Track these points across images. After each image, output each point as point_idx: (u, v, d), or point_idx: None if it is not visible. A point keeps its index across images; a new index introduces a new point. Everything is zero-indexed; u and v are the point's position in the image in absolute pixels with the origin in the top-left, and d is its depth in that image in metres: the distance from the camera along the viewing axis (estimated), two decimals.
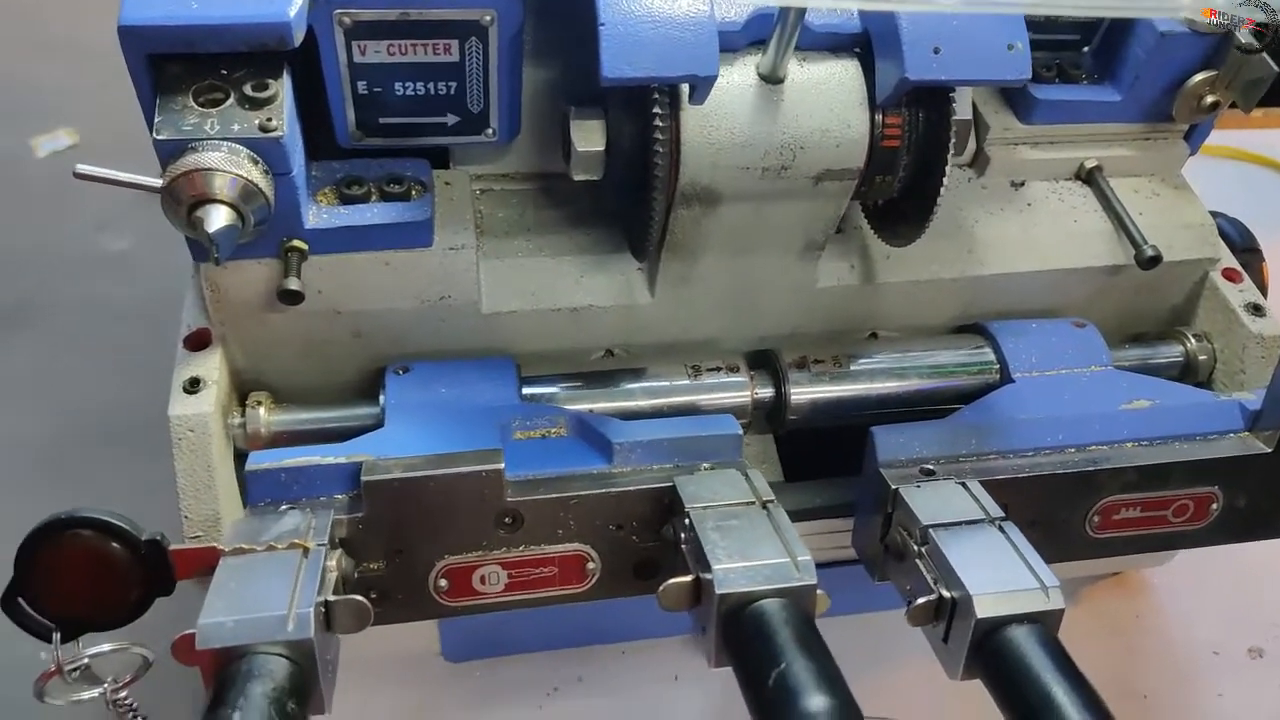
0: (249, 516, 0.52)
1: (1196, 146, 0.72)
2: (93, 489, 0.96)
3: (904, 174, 0.58)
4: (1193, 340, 0.69)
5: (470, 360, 0.62)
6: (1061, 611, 0.49)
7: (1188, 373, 0.70)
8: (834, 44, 0.57)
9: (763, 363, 0.65)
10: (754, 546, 0.49)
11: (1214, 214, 0.76)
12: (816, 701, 0.41)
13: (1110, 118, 0.68)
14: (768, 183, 0.56)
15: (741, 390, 0.63)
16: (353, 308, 0.59)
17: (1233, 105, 0.67)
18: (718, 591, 0.47)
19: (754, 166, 0.56)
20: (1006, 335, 0.65)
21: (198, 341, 0.59)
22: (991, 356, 0.65)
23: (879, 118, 0.56)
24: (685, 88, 0.53)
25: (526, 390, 0.61)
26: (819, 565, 0.63)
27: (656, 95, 0.53)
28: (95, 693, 0.53)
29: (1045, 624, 0.49)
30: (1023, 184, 0.70)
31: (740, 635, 0.46)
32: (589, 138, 0.56)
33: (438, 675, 0.72)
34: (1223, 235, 0.74)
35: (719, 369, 0.64)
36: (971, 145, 0.69)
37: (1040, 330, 0.66)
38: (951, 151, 0.55)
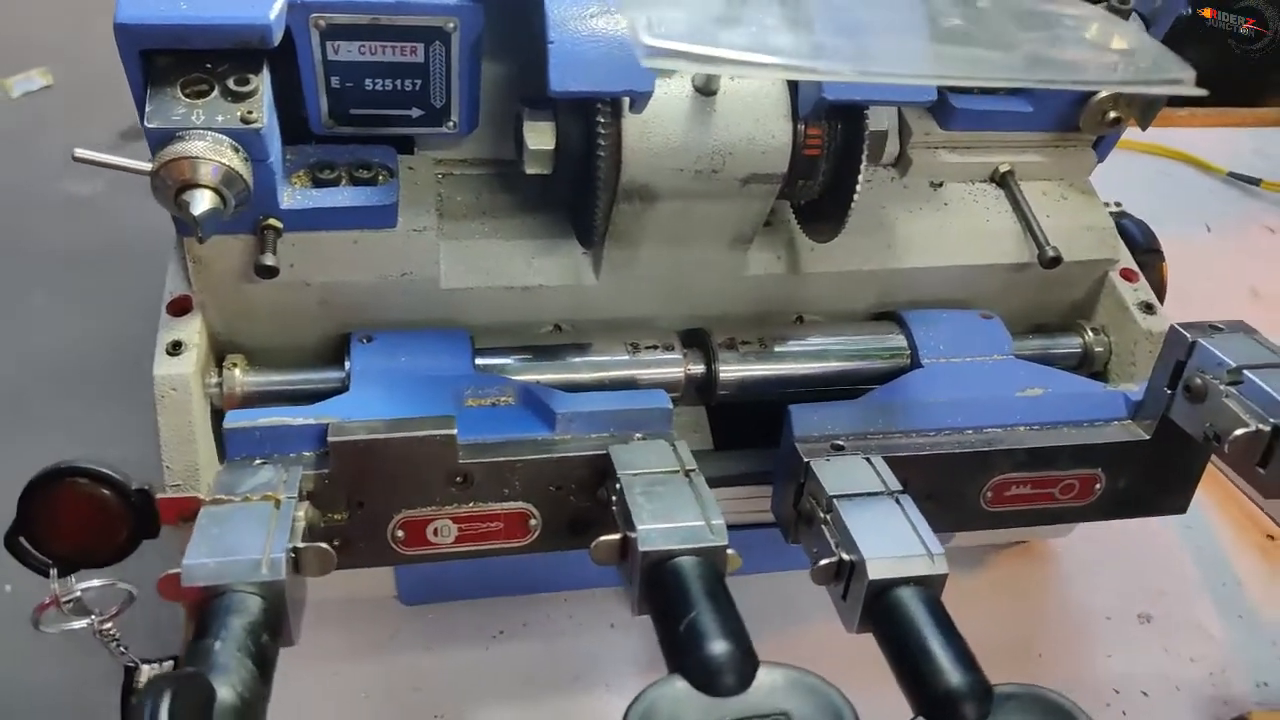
0: (227, 470, 0.58)
1: (1104, 155, 0.78)
2: (57, 429, 0.99)
3: (824, 179, 0.64)
4: (1090, 333, 0.76)
5: (429, 331, 0.68)
6: (944, 576, 0.56)
7: (1084, 363, 0.76)
8: None
9: (696, 341, 0.72)
10: (675, 510, 0.55)
11: (1121, 215, 0.83)
12: (719, 646, 0.48)
13: (1022, 127, 0.75)
14: (700, 183, 0.62)
15: (675, 367, 0.69)
16: (321, 280, 0.65)
17: None
18: (640, 549, 0.53)
19: (687, 169, 0.62)
20: (918, 324, 0.72)
21: (179, 307, 0.65)
22: (904, 343, 0.72)
23: (801, 129, 0.62)
24: (626, 99, 0.59)
25: (480, 361, 0.67)
26: (743, 527, 0.70)
27: (600, 105, 0.59)
28: (84, 623, 0.59)
29: (929, 586, 0.55)
30: (941, 185, 0.76)
31: (659, 587, 0.53)
32: (540, 138, 0.61)
33: (394, 616, 0.78)
34: (1127, 235, 0.81)
35: (655, 347, 0.70)
36: (895, 148, 0.75)
37: (949, 320, 0.72)
38: (865, 161, 0.62)
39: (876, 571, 0.54)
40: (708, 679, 0.47)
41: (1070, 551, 0.89)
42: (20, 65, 2.01)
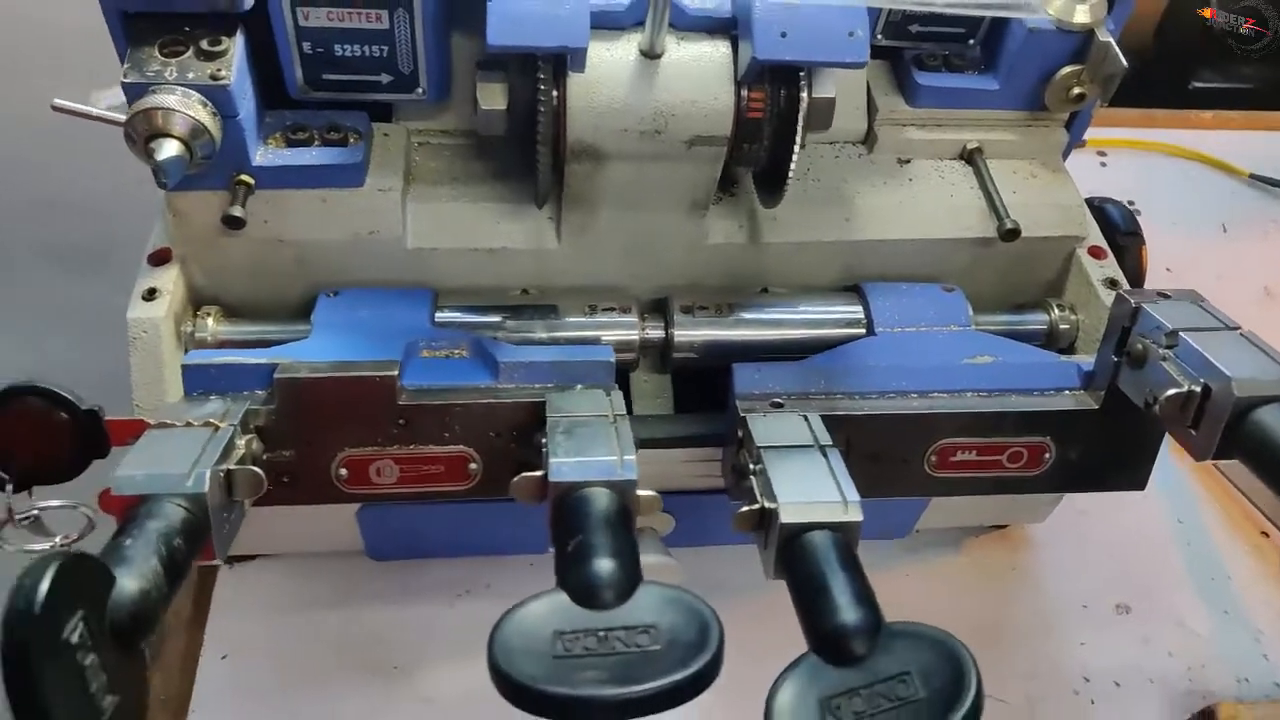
0: (180, 402, 0.62)
1: (1079, 135, 0.78)
2: None
3: (768, 143, 0.66)
4: (1056, 310, 0.76)
5: (394, 289, 0.71)
6: (858, 523, 0.56)
7: (1051, 339, 0.76)
8: (709, 26, 0.64)
9: (659, 308, 0.74)
10: (590, 447, 0.57)
11: (1104, 199, 0.83)
12: (601, 565, 0.49)
13: (990, 105, 0.75)
14: (645, 144, 0.64)
15: (631, 329, 0.71)
16: (293, 237, 0.69)
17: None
18: (551, 480, 0.55)
19: (631, 129, 0.64)
20: (877, 295, 0.73)
21: (158, 259, 0.69)
22: (861, 313, 0.73)
23: (744, 92, 0.64)
24: (567, 57, 0.61)
25: (442, 317, 0.70)
26: (706, 492, 0.71)
27: (541, 63, 0.61)
28: (45, 545, 0.63)
29: (843, 533, 0.56)
30: (909, 161, 0.77)
31: (564, 517, 0.55)
32: (491, 98, 0.64)
33: (362, 572, 0.81)
34: (1107, 218, 0.81)
35: (613, 309, 0.72)
36: (863, 124, 0.77)
37: (909, 292, 0.73)
38: (803, 124, 0.63)
39: (789, 515, 0.55)
40: (585, 593, 0.48)
41: (1051, 540, 0.88)
42: (107, 80, 2.12)
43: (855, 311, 0.73)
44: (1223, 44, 1.38)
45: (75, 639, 0.42)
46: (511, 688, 0.45)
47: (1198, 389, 0.58)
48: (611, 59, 0.63)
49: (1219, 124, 1.26)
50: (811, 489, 0.57)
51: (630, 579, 0.49)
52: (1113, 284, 0.74)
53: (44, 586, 0.41)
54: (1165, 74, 1.40)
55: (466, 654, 0.77)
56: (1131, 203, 0.82)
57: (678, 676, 0.44)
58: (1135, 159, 1.21)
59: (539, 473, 0.58)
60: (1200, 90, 1.42)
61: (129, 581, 0.46)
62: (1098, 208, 0.81)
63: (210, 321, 0.69)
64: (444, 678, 0.77)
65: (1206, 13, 1.39)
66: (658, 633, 0.47)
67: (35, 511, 0.61)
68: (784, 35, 0.60)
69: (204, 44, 0.63)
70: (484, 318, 0.71)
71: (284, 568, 0.81)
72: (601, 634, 0.47)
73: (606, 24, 0.63)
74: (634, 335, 0.71)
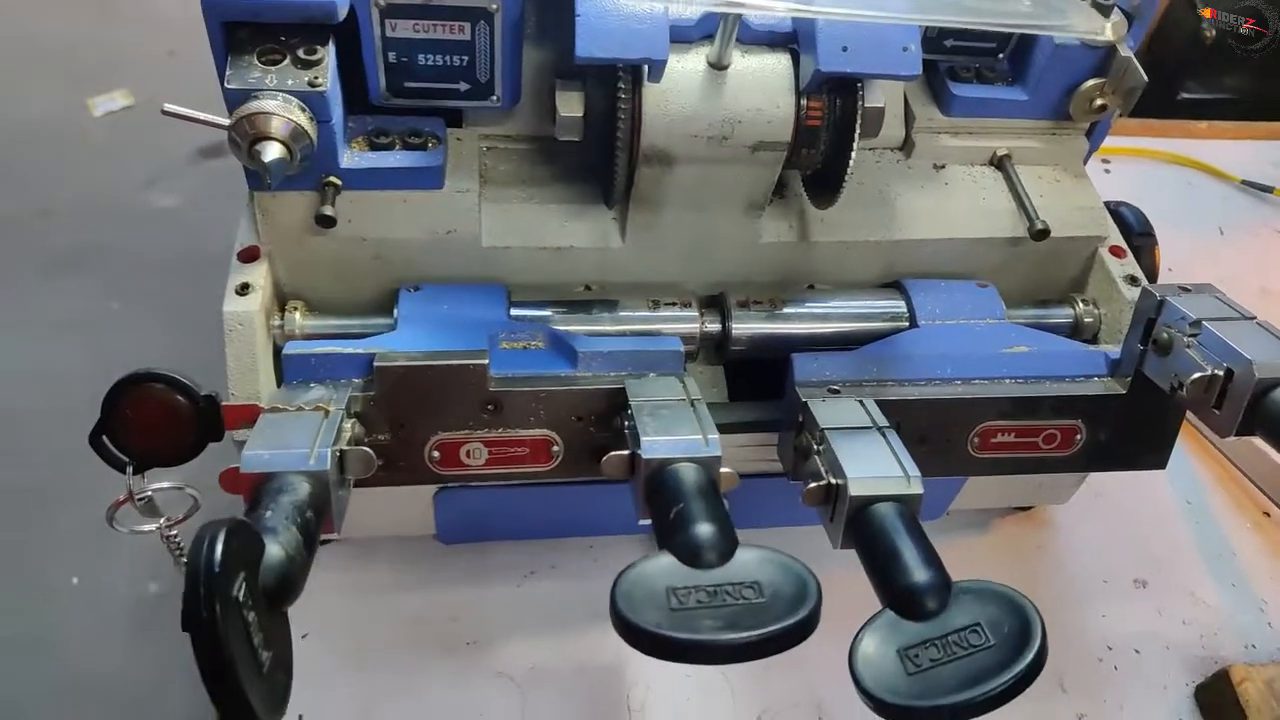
0: (285, 389, 0.66)
1: (1098, 143, 0.84)
2: None
3: (825, 149, 0.71)
4: (1081, 305, 0.82)
5: (469, 285, 0.75)
6: (920, 496, 0.61)
7: (1076, 332, 0.82)
8: (771, 40, 0.70)
9: (715, 303, 0.78)
10: (676, 427, 0.62)
11: (1119, 203, 0.89)
12: (703, 528, 0.54)
13: (1019, 114, 0.81)
14: (713, 149, 0.69)
15: (691, 322, 0.76)
16: (375, 235, 0.73)
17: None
18: (644, 457, 0.60)
19: (700, 135, 0.69)
20: (917, 290, 0.78)
21: (248, 256, 0.73)
22: (904, 308, 0.78)
23: (803, 102, 0.69)
24: (645, 68, 0.66)
25: (515, 312, 0.74)
26: (757, 476, 0.76)
27: (621, 73, 0.66)
28: (153, 526, 0.67)
29: (906, 504, 0.61)
30: (943, 167, 0.82)
31: (658, 490, 0.59)
32: (570, 105, 0.69)
33: (432, 554, 0.85)
34: (1123, 221, 0.86)
35: (675, 304, 0.77)
36: (901, 131, 0.82)
37: (947, 288, 0.79)
38: (859, 132, 0.68)
39: (857, 489, 0.60)
40: (691, 554, 0.53)
41: (1071, 520, 0.94)
42: (104, 86, 2.14)
43: (898, 306, 0.78)
44: (1210, 56, 1.44)
45: (241, 596, 0.47)
46: (638, 634, 0.49)
47: (1221, 372, 0.63)
48: (683, 70, 0.68)
49: (1212, 133, 1.33)
50: (875, 465, 0.62)
51: (730, 541, 0.54)
52: (1133, 280, 0.80)
53: (219, 546, 0.45)
54: (1156, 85, 1.46)
55: (537, 630, 0.82)
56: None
57: (788, 622, 0.49)
58: (1136, 166, 1.28)
59: (626, 451, 0.63)
60: (1188, 101, 1.49)
61: (275, 549, 0.51)
62: (1114, 210, 0.86)
63: (297, 316, 0.73)
64: (517, 653, 0.81)
65: (1206, 12, 1.44)
66: (761, 587, 0.52)
67: (149, 493, 0.65)
68: (845, 49, 0.65)
69: (300, 52, 0.67)
70: (554, 312, 0.75)
71: (358, 551, 0.85)
72: (711, 589, 0.52)
73: (678, 38, 0.68)
74: (694, 328, 0.76)
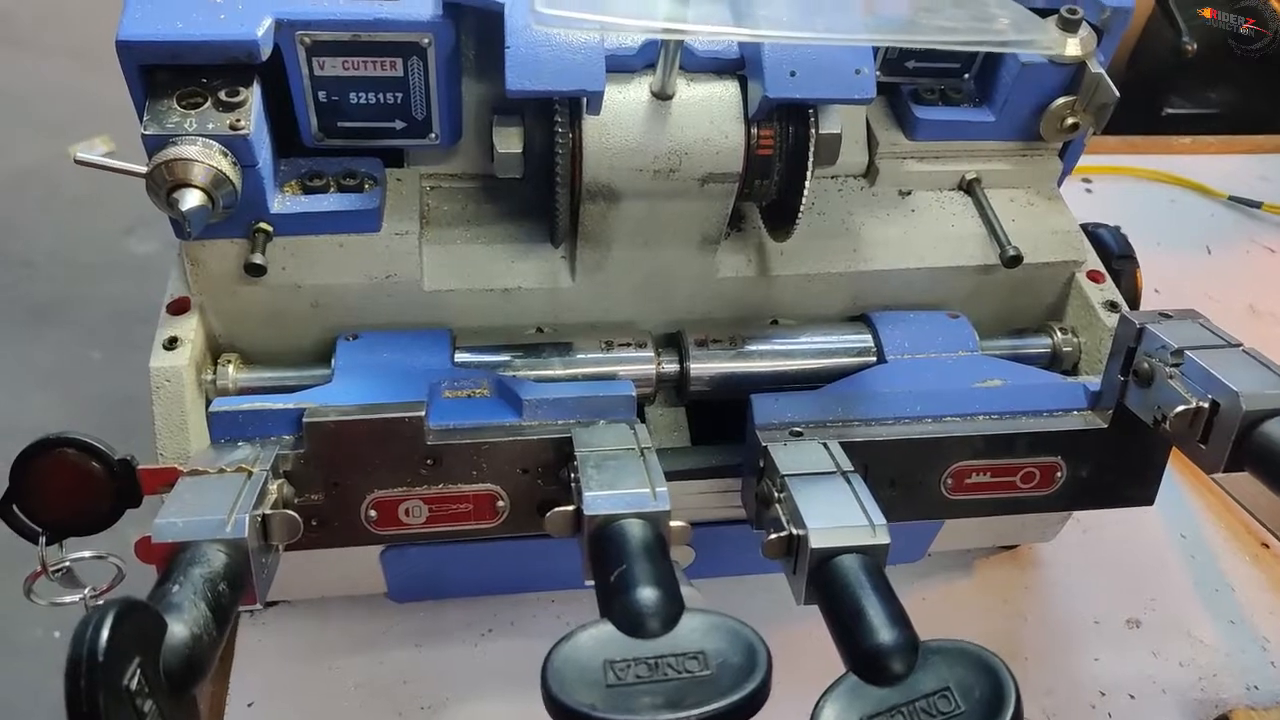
0: (210, 449, 0.62)
1: (1072, 163, 0.81)
2: None
3: (779, 179, 0.67)
4: (1059, 334, 0.78)
5: (412, 331, 0.72)
6: (886, 546, 0.57)
7: (1054, 362, 0.78)
8: (718, 67, 0.66)
9: (673, 343, 0.75)
10: (622, 480, 0.58)
11: (1097, 225, 0.85)
12: (645, 593, 0.50)
13: (986, 136, 0.78)
14: (660, 183, 0.66)
15: (648, 363, 0.72)
16: (311, 282, 0.69)
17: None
18: (586, 513, 0.56)
19: (646, 169, 0.65)
20: (885, 323, 0.74)
21: (177, 307, 0.69)
22: (871, 342, 0.74)
23: (754, 130, 0.66)
24: (583, 100, 0.63)
25: (461, 358, 0.71)
26: (723, 523, 0.72)
27: (558, 106, 0.63)
28: (76, 597, 0.63)
29: (872, 555, 0.57)
30: (910, 193, 0.79)
31: (603, 548, 0.55)
32: (508, 141, 0.66)
33: (384, 613, 0.81)
34: (1101, 243, 0.83)
35: (629, 344, 0.73)
36: (864, 157, 0.78)
37: (916, 320, 0.75)
38: (813, 160, 0.65)
39: (819, 540, 0.57)
40: (632, 623, 0.49)
41: (1059, 558, 0.90)
42: (84, 134, 2.12)
43: (865, 340, 0.74)
44: (1193, 71, 1.41)
45: (134, 685, 0.43)
46: (570, 716, 0.45)
47: (1206, 405, 0.59)
48: (624, 101, 0.65)
49: (1196, 149, 1.30)
50: (838, 514, 0.59)
51: (674, 607, 0.50)
52: (1113, 307, 0.76)
53: (105, 633, 0.41)
54: (1139, 102, 1.44)
55: (495, 692, 0.78)
56: (1118, 227, 0.84)
57: (735, 698, 0.45)
58: (1119, 185, 1.24)
59: (571, 507, 0.59)
60: (1172, 116, 1.46)
61: (180, 628, 0.47)
62: (1091, 233, 0.83)
63: (230, 369, 0.70)
64: (474, 717, 0.77)
65: (1206, 12, 1.42)
66: (707, 658, 0.48)
67: (67, 564, 0.61)
68: (793, 74, 0.62)
69: (222, 95, 0.64)
70: (502, 357, 0.72)
71: (306, 613, 0.81)
72: (652, 662, 0.48)
73: (618, 67, 0.65)
74: (650, 370, 0.73)
